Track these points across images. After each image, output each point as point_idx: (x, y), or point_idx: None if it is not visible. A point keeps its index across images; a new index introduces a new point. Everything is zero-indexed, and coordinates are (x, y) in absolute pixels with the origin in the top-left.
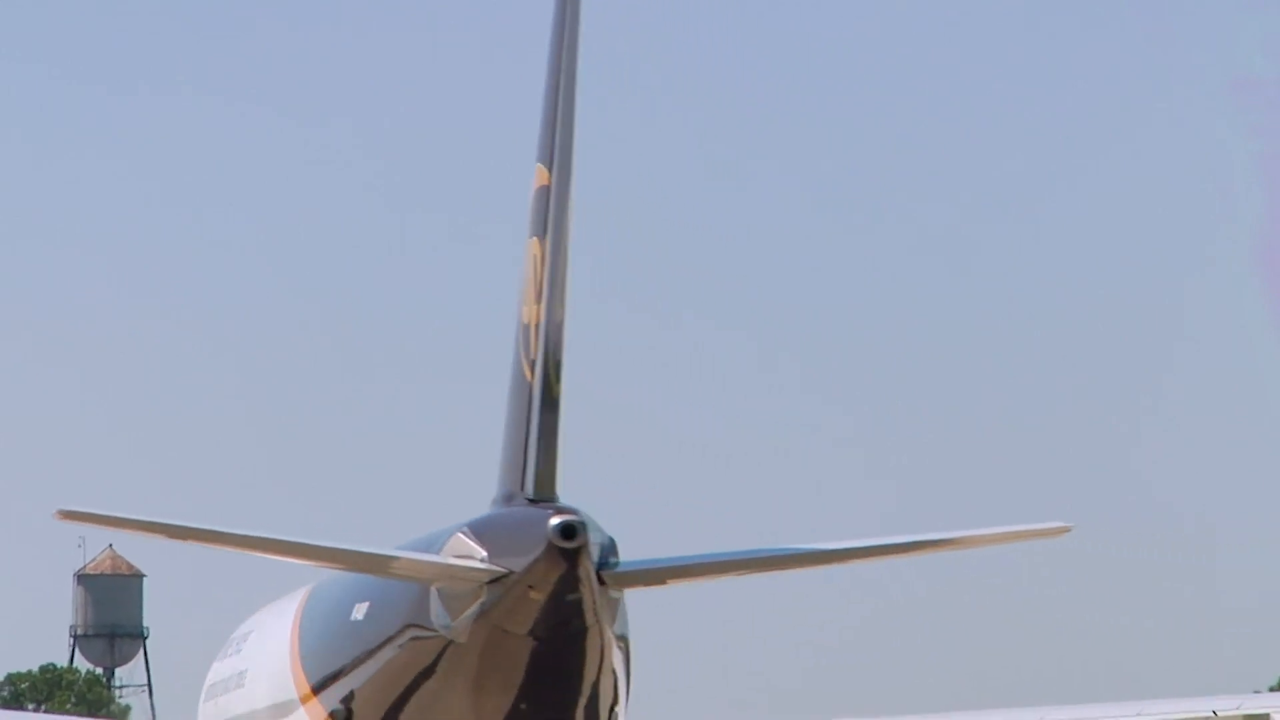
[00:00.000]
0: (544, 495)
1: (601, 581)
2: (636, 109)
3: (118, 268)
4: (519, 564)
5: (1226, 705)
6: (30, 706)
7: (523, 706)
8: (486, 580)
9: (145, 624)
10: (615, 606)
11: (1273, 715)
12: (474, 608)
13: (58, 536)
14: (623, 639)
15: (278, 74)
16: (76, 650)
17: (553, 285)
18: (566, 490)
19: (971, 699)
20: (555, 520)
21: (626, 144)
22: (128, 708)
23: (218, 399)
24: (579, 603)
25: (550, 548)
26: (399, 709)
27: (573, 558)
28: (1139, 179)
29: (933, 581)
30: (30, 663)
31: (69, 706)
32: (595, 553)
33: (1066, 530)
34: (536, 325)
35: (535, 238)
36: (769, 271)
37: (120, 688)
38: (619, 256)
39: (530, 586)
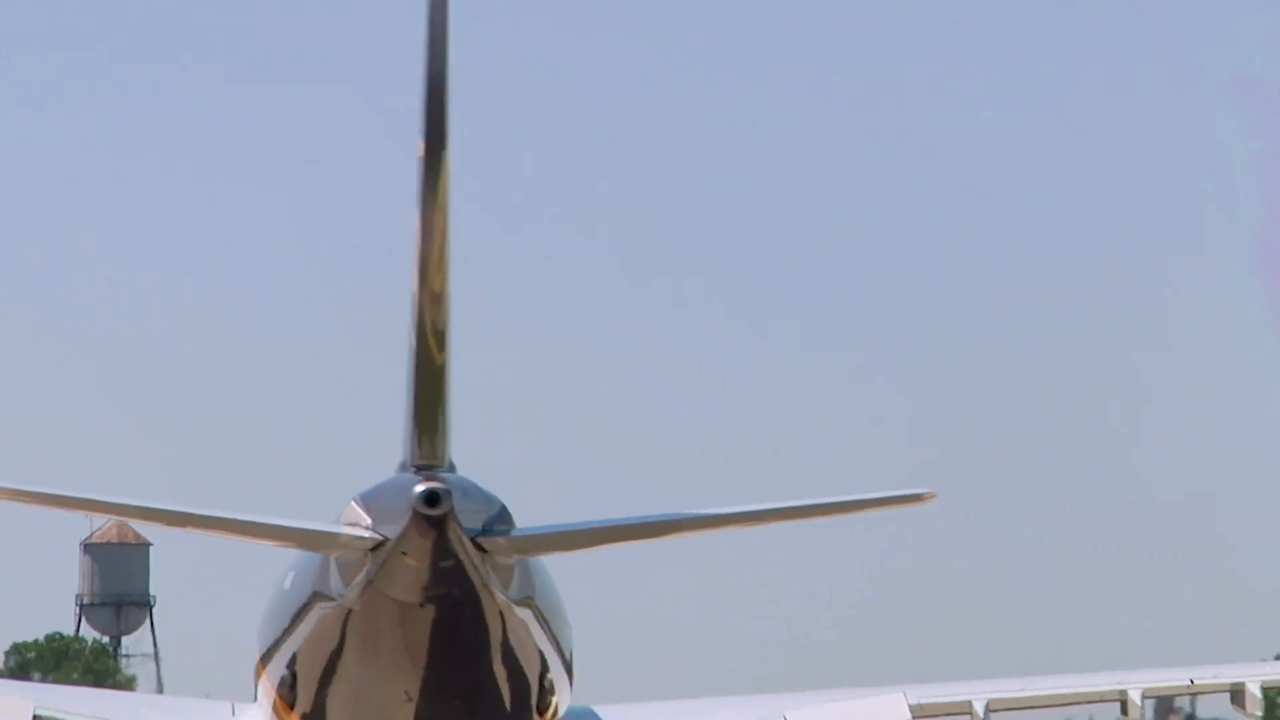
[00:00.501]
0: (429, 463)
1: (481, 548)
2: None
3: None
4: (393, 531)
5: (1204, 674)
6: (36, 676)
7: (429, 673)
8: (370, 548)
9: (152, 593)
10: (510, 572)
11: (1248, 684)
12: (361, 575)
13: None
14: (528, 603)
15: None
16: (83, 619)
17: (428, 256)
18: (487, 459)
19: (928, 671)
20: (420, 488)
21: (526, 107)
22: (134, 677)
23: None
24: (456, 569)
25: (415, 515)
26: (326, 680)
27: (440, 524)
28: (1139, 178)
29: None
30: (36, 632)
31: (75, 676)
32: (471, 519)
33: (930, 498)
34: (430, 295)
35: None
36: (684, 234)
37: (127, 657)
38: (561, 228)
39: (403, 553)
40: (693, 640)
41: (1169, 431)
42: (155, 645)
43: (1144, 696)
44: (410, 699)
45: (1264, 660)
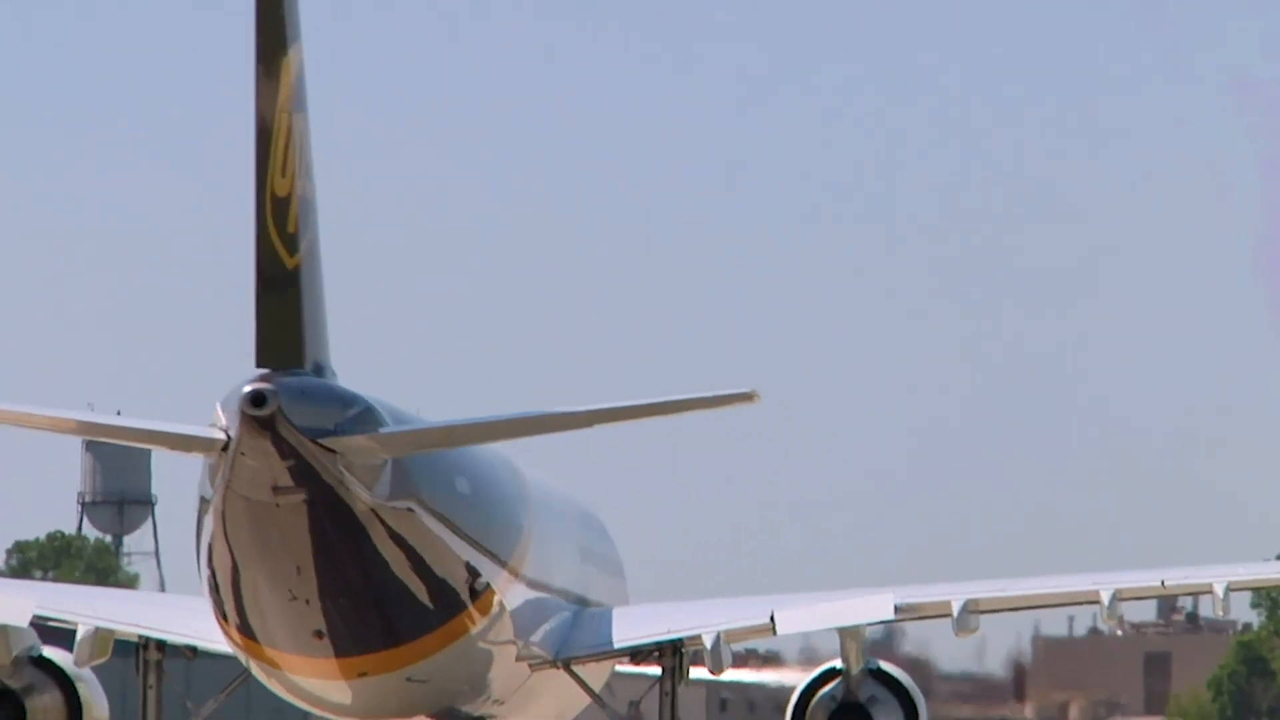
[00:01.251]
0: (276, 363)
1: (328, 448)
2: None
3: None
4: (233, 431)
5: (1175, 576)
6: (38, 574)
7: (305, 574)
8: (221, 448)
9: (153, 491)
10: (377, 472)
11: (1215, 585)
12: (219, 477)
13: (67, 402)
14: (412, 503)
15: None
16: (84, 518)
17: (268, 157)
18: (373, 361)
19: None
20: (247, 389)
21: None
22: (136, 575)
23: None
24: (300, 469)
25: (243, 415)
26: (225, 582)
27: (268, 425)
28: (1139, 178)
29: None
30: (38, 531)
31: (77, 574)
32: (316, 419)
33: (755, 397)
34: (273, 198)
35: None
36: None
37: (128, 555)
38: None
39: (242, 454)
40: (683, 544)
41: (1149, 343)
42: (156, 544)
43: (1116, 598)
44: (295, 598)
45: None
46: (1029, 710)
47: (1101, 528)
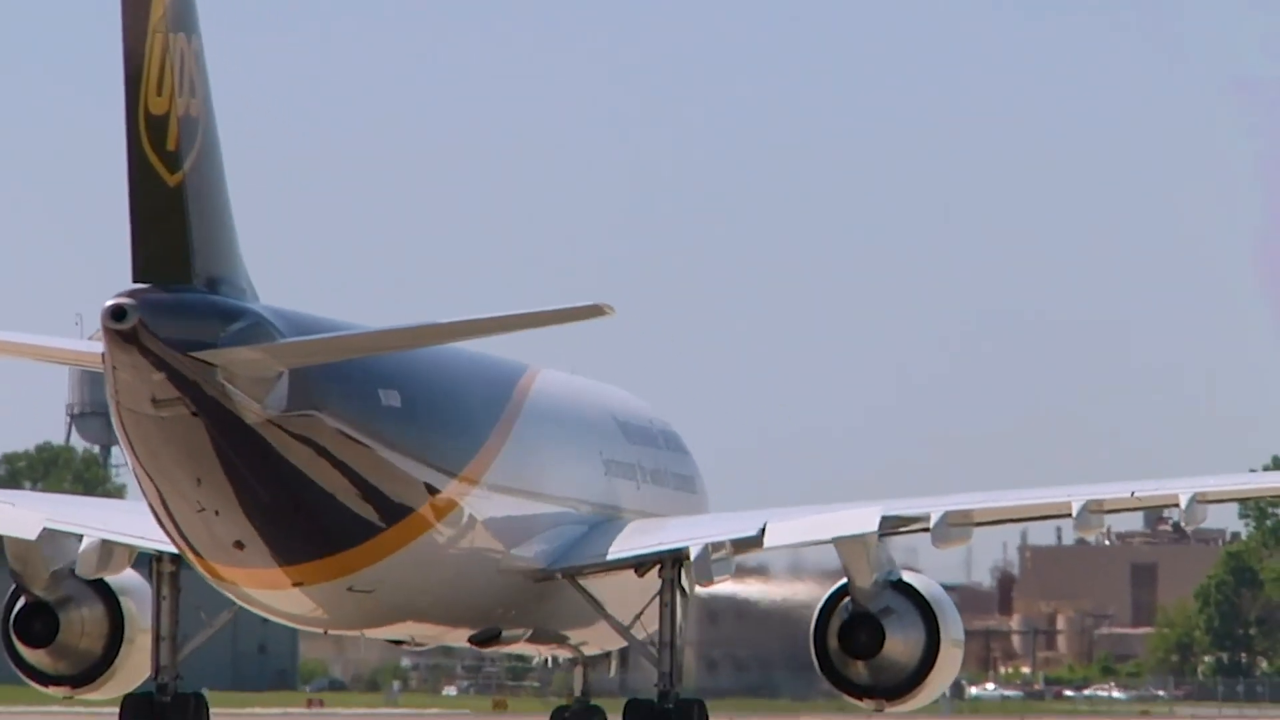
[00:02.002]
0: (155, 278)
1: (206, 361)
2: None
3: None
4: (104, 347)
5: (1145, 487)
6: (27, 485)
7: (207, 486)
8: (101, 362)
9: None
10: (269, 385)
11: (1180, 496)
12: (108, 388)
13: (54, 315)
14: (316, 414)
15: None
16: (73, 429)
17: (140, 76)
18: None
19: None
20: (108, 303)
21: None
22: (124, 486)
23: None
24: (175, 381)
25: (106, 330)
26: (152, 491)
27: (130, 338)
28: (1138, 178)
29: None
30: (26, 442)
31: (65, 485)
32: (190, 332)
33: (609, 311)
34: (147, 116)
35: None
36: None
37: (116, 466)
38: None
39: (115, 367)
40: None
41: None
42: None
43: (1086, 509)
44: (203, 509)
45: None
46: (1016, 621)
47: (1096, 442)
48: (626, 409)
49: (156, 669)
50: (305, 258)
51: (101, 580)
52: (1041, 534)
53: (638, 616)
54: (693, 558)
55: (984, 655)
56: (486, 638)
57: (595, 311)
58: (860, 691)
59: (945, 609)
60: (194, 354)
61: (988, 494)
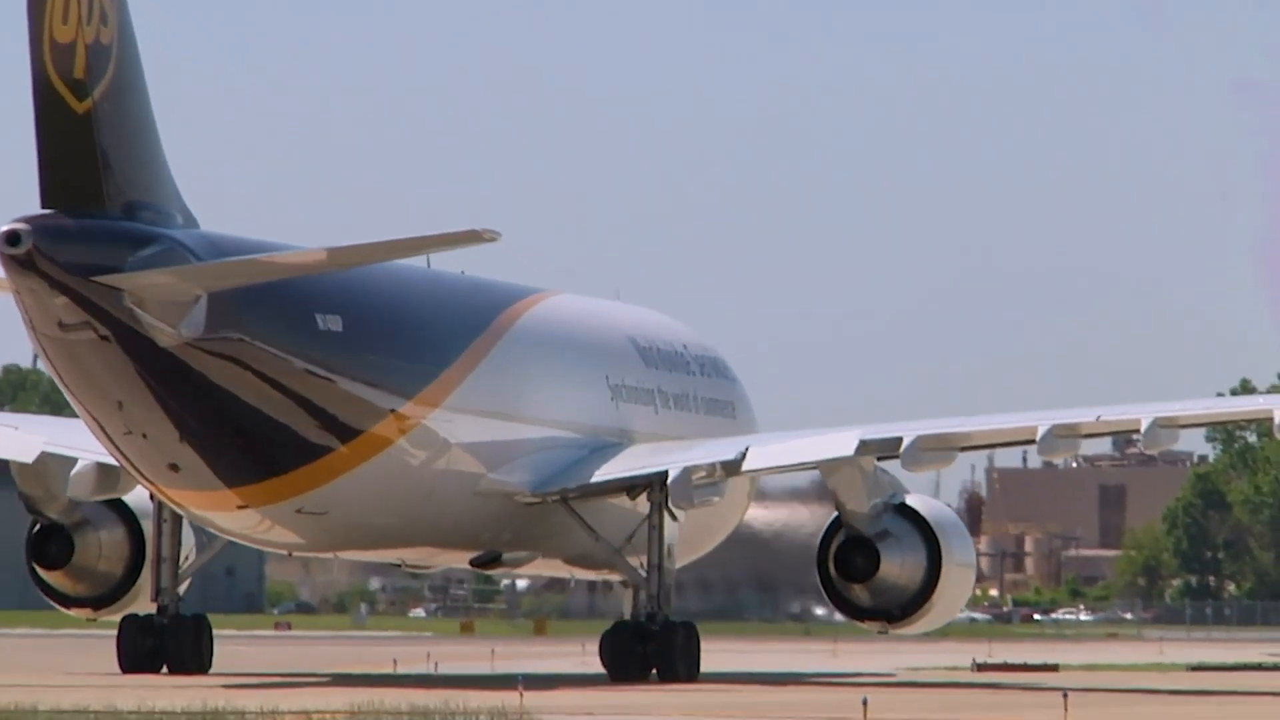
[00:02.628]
0: (64, 204)
1: (110, 285)
2: None
3: None
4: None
5: (1110, 412)
6: None
7: (129, 407)
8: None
9: None
10: (184, 309)
11: (1143, 421)
12: (20, 314)
13: None
14: (234, 338)
15: None
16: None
17: (44, 7)
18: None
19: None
20: (3, 229)
21: None
22: None
23: None
24: (79, 305)
25: (4, 256)
26: (85, 414)
27: (26, 263)
28: (1138, 178)
29: None
30: None
31: (33, 408)
32: (95, 257)
33: (493, 236)
34: (52, 44)
35: None
36: None
37: None
38: None
39: (17, 291)
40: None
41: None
42: None
43: (1053, 433)
44: (130, 432)
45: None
46: (984, 543)
47: (1072, 369)
48: (651, 334)
49: (156, 590)
50: (281, 186)
51: (122, 503)
52: (1009, 457)
53: (628, 539)
54: (669, 481)
55: None
56: (487, 560)
57: (474, 237)
58: (863, 614)
59: (950, 532)
60: (97, 279)
61: (959, 419)
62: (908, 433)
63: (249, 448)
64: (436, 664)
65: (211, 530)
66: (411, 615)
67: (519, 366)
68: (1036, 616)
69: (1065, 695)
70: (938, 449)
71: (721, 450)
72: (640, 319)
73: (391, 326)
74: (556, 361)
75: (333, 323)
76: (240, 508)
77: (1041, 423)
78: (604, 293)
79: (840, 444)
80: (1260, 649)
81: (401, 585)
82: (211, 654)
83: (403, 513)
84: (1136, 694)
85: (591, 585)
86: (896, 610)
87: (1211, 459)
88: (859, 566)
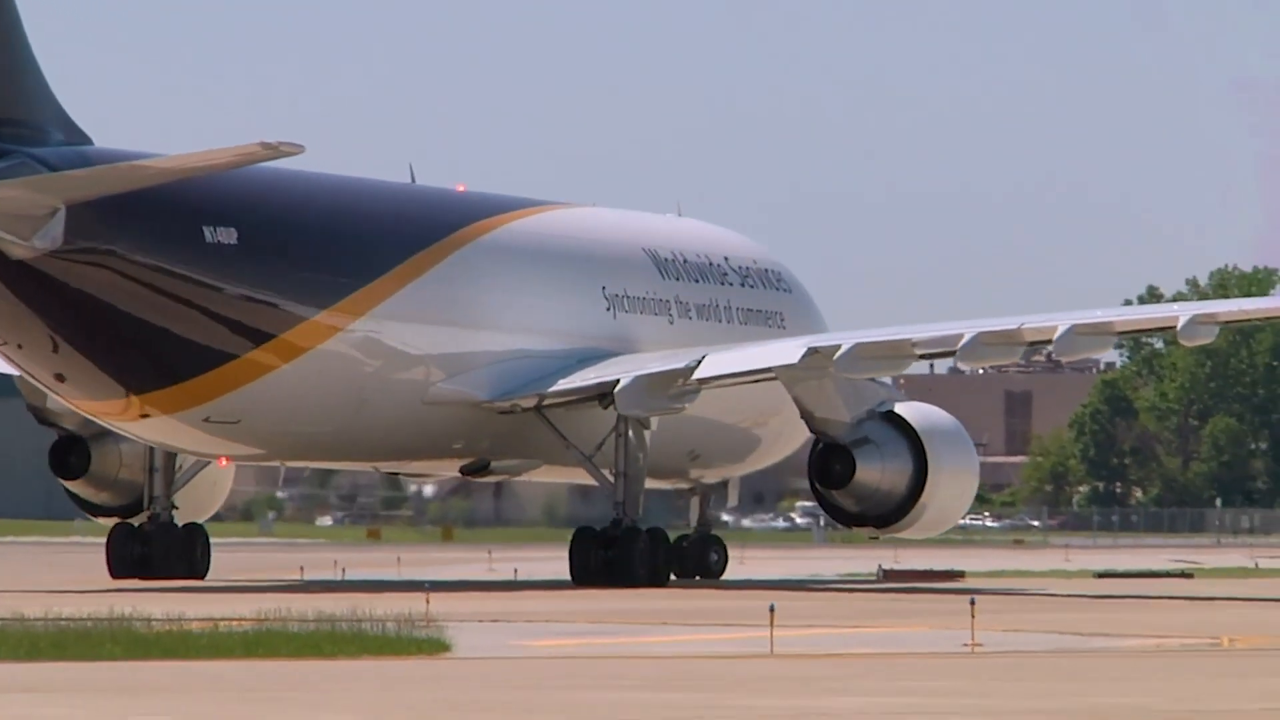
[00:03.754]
0: None
1: None
2: None
3: None
4: None
5: (1033, 320)
6: None
7: (7, 322)
8: None
9: None
10: (38, 221)
11: (1059, 325)
12: None
13: None
14: (100, 252)
15: None
16: None
17: None
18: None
19: None
20: None
21: None
22: None
23: None
24: None
25: None
26: None
27: None
28: (1137, 178)
29: None
30: None
31: None
32: None
33: (295, 150)
34: None
35: None
36: None
37: None
38: None
39: None
40: None
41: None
42: None
43: (977, 340)
44: (6, 343)
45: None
46: None
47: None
48: (682, 246)
49: (149, 499)
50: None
51: None
52: (915, 364)
53: (599, 447)
54: (616, 390)
55: None
56: (476, 468)
57: (274, 151)
58: (852, 520)
59: (938, 438)
60: None
61: (896, 328)
62: (847, 340)
63: (140, 356)
64: (344, 571)
65: (149, 443)
66: (318, 523)
67: (482, 277)
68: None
69: (972, 602)
70: (877, 357)
71: (679, 359)
72: (672, 231)
73: (304, 238)
74: (532, 272)
75: (225, 235)
76: (143, 416)
77: (968, 329)
78: (663, 207)
79: (787, 352)
80: (1166, 555)
81: (308, 493)
82: (208, 561)
83: (332, 421)
84: (1043, 600)
85: (497, 490)
86: (883, 516)
87: (1118, 366)
88: (837, 473)
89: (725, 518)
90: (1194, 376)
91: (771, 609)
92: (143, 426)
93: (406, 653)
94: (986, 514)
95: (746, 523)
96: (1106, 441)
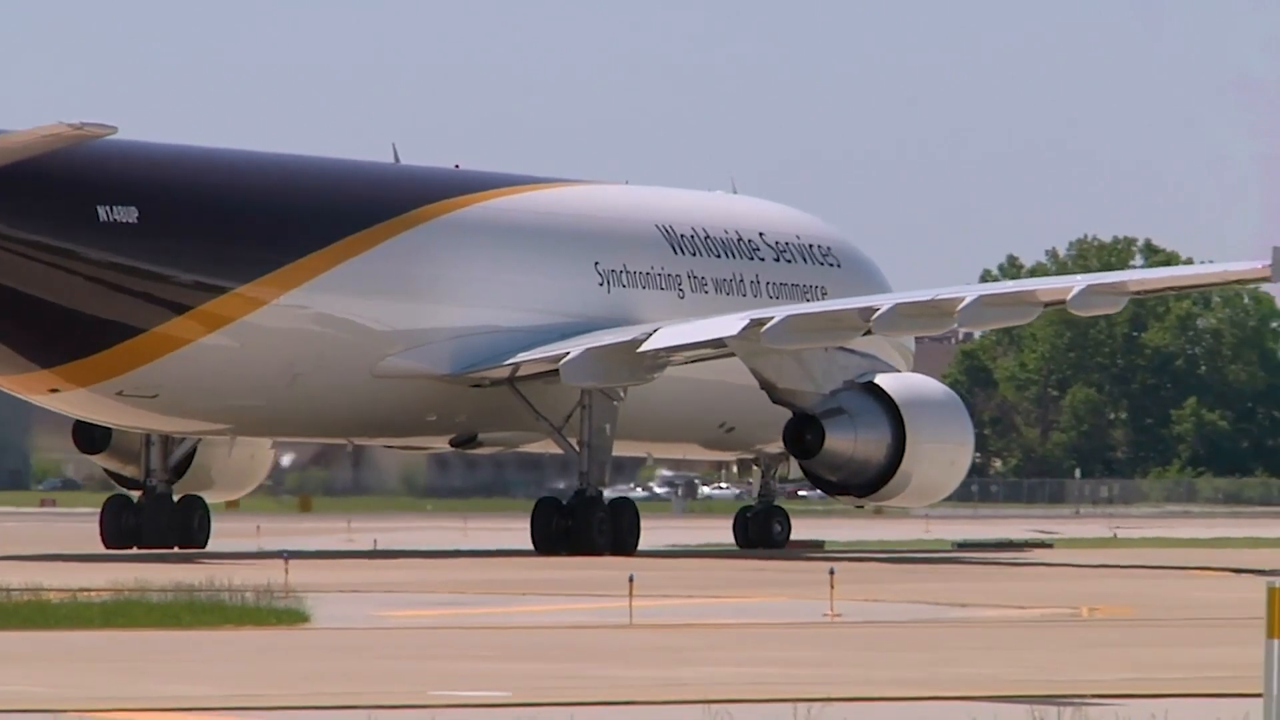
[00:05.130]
0: None
1: None
2: None
3: None
4: None
5: (947, 291)
6: None
7: None
8: None
9: None
10: None
11: (966, 297)
12: None
13: None
14: None
15: None
16: None
17: None
18: None
19: None
20: None
21: None
22: None
23: None
24: None
25: None
26: None
27: None
28: (1137, 178)
29: None
30: None
31: None
32: None
33: (102, 132)
34: None
35: None
36: None
37: None
38: None
39: None
40: None
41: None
42: None
43: (896, 312)
44: None
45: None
46: None
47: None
48: (706, 220)
49: (146, 471)
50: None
51: None
52: None
53: (567, 418)
54: (562, 363)
55: None
56: (464, 440)
57: (82, 132)
58: (836, 489)
59: (920, 408)
60: None
61: (804, 305)
62: (779, 313)
63: (42, 332)
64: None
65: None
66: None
67: (442, 253)
68: (802, 493)
69: (832, 572)
70: (802, 330)
71: (632, 333)
72: (701, 207)
73: (215, 214)
74: (506, 248)
75: (123, 214)
76: (52, 390)
77: (886, 302)
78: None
79: (729, 324)
80: (1026, 526)
81: None
82: (207, 532)
83: (261, 395)
84: (903, 571)
85: (355, 460)
86: (863, 485)
87: (977, 336)
88: (806, 442)
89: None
90: (1054, 346)
91: (631, 579)
92: (55, 400)
93: (266, 623)
94: None
95: (606, 493)
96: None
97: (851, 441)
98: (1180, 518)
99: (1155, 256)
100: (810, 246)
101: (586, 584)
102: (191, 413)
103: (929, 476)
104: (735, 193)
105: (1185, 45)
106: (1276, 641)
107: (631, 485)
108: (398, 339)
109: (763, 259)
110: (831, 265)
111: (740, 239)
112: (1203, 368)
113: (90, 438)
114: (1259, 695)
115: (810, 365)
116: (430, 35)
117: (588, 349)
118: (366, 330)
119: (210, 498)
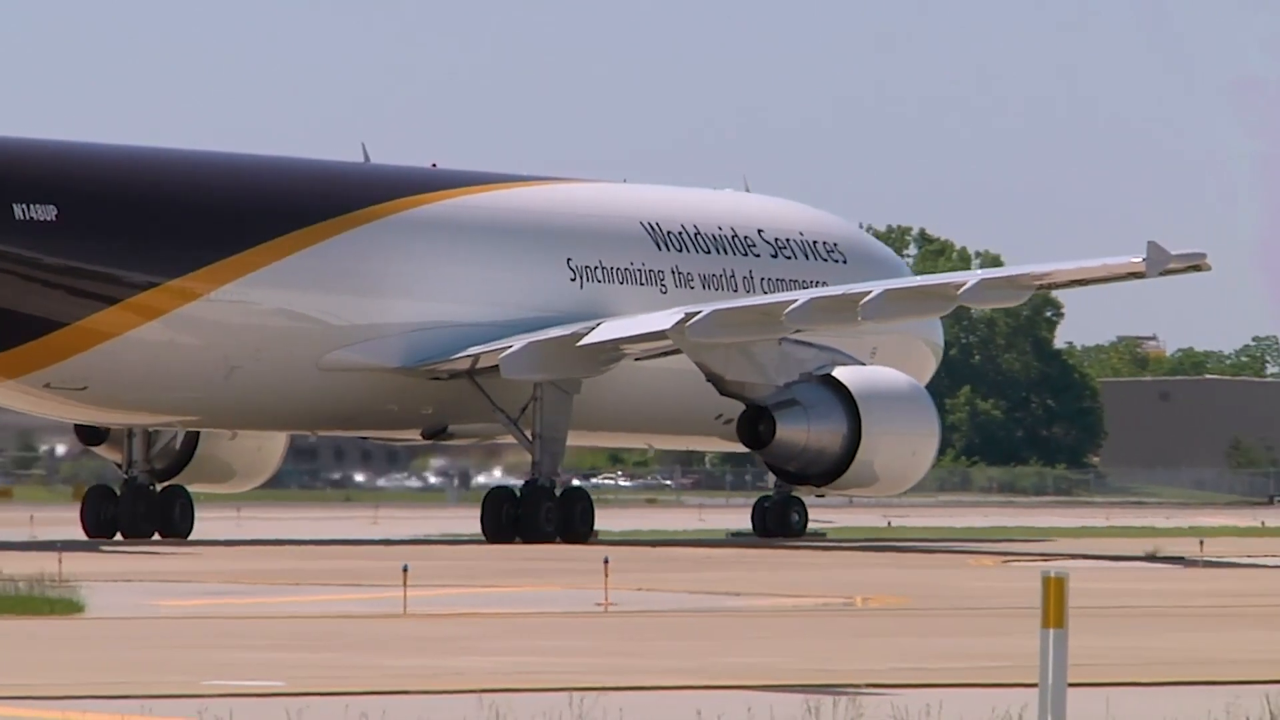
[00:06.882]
0: None
1: None
2: None
3: None
4: None
5: (933, 278)
6: None
7: None
8: None
9: None
10: None
11: (970, 282)
12: None
13: None
14: None
15: None
16: None
17: None
18: None
19: None
20: None
21: None
22: None
23: None
24: None
25: None
26: None
27: None
28: (1137, 178)
29: None
30: None
31: None
32: None
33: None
34: None
35: None
36: None
37: None
38: None
39: None
40: None
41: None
42: None
43: (884, 298)
44: None
45: None
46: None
47: None
48: (698, 217)
49: (127, 463)
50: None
51: None
52: None
53: (523, 410)
54: (501, 357)
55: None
56: (434, 432)
57: None
58: (796, 479)
59: (874, 399)
60: None
61: (772, 297)
62: (708, 307)
63: None
64: None
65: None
66: None
67: (393, 249)
68: (576, 482)
69: (606, 561)
70: (728, 324)
71: (576, 327)
72: (693, 204)
73: (140, 212)
74: (463, 244)
75: (43, 212)
76: None
77: (876, 287)
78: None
79: (665, 319)
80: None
81: None
82: (190, 522)
83: (196, 387)
84: (677, 559)
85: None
86: (821, 474)
87: None
88: (759, 433)
89: (359, 478)
90: None
91: (405, 569)
92: None
93: (39, 612)
94: (620, 473)
95: (381, 482)
96: None
97: (805, 432)
98: (954, 507)
99: None
100: (814, 243)
101: (359, 574)
102: (123, 404)
103: (889, 466)
104: (748, 191)
105: (1185, 45)
106: (1052, 631)
107: (406, 475)
108: (347, 333)
109: (758, 255)
110: (836, 261)
111: (735, 235)
112: (976, 357)
113: (92, 430)
114: (1034, 685)
115: (760, 358)
116: (433, 36)
117: (529, 343)
118: (312, 323)
119: (217, 490)
